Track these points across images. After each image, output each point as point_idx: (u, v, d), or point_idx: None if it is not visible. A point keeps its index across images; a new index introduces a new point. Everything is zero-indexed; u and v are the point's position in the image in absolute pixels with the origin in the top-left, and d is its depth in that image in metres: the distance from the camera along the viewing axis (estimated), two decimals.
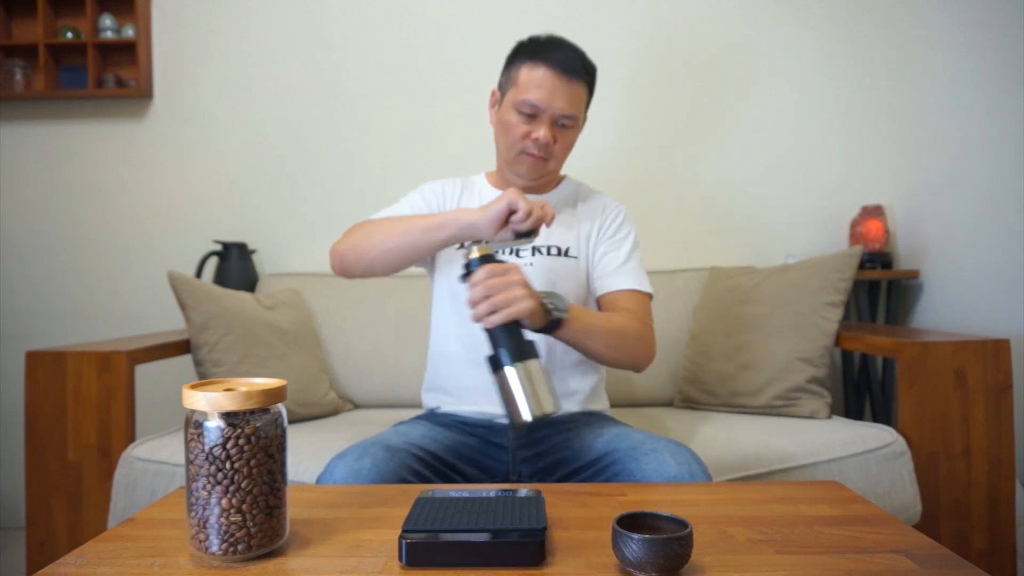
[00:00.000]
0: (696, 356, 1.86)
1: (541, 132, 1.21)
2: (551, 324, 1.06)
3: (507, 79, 1.27)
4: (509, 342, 0.94)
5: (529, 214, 1.02)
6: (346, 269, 1.21)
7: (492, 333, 0.96)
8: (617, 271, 1.28)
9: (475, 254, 0.99)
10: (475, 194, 1.36)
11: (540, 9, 2.20)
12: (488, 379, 1.20)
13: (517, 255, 1.28)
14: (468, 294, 0.97)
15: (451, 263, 1.30)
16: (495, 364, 0.94)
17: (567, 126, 1.24)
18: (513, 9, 2.20)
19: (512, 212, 1.03)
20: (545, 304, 1.03)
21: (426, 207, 1.33)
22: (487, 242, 1.06)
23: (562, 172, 1.39)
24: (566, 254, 1.29)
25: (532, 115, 1.22)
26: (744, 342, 1.77)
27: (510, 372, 0.92)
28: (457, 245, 1.27)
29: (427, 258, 1.31)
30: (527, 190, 1.31)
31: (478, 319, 0.96)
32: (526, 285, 0.98)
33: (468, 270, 0.99)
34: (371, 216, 1.29)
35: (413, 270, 1.43)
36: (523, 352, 0.93)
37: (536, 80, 1.20)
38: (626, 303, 1.25)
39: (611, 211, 1.34)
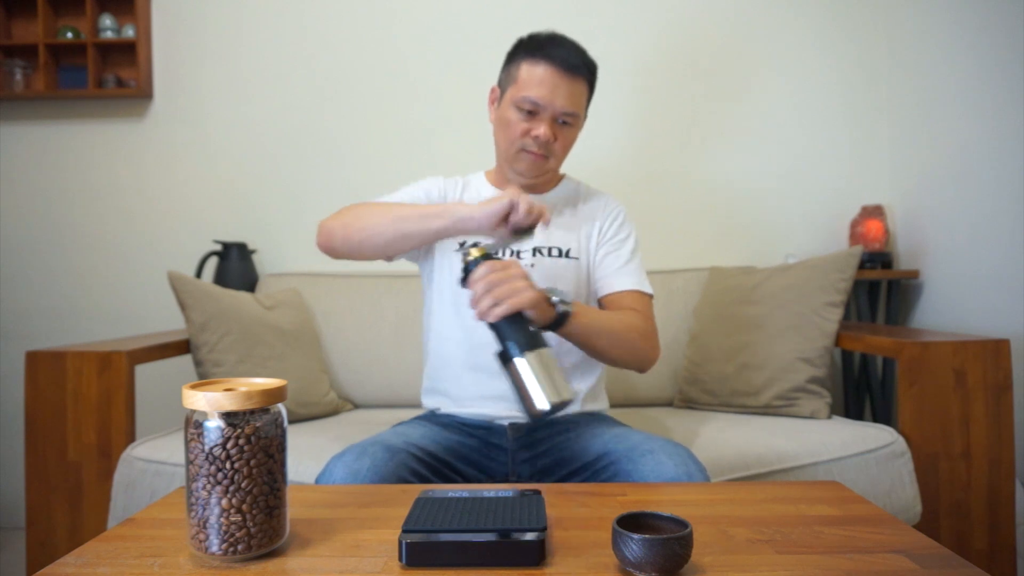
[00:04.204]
0: (696, 356, 1.86)
1: (541, 130, 1.21)
2: (557, 320, 1.06)
3: (507, 76, 1.26)
4: (516, 334, 0.91)
5: (530, 211, 1.01)
6: (332, 247, 1.19)
7: (498, 328, 0.93)
8: (619, 272, 1.28)
9: (473, 255, 0.98)
10: (474, 193, 1.36)
11: (537, 7, 2.20)
12: (488, 384, 1.21)
13: (518, 256, 1.27)
14: (470, 294, 0.96)
15: (452, 264, 1.29)
16: (504, 358, 0.91)
17: (568, 123, 1.24)
18: (511, 9, 2.20)
19: (511, 210, 1.01)
20: (549, 297, 1.04)
21: (426, 200, 1.32)
22: (483, 243, 1.04)
23: (561, 171, 1.38)
24: (567, 255, 1.28)
25: (532, 112, 1.21)
26: (744, 342, 1.77)
27: (521, 363, 0.89)
28: (455, 247, 1.27)
29: (417, 249, 1.28)
30: (526, 188, 1.31)
31: (482, 314, 0.94)
32: (527, 278, 0.98)
33: (467, 272, 0.98)
34: (366, 200, 1.26)
35: (411, 268, 1.43)
36: (532, 341, 0.91)
37: (537, 77, 1.20)
38: (628, 303, 1.25)
39: (611, 211, 1.34)
